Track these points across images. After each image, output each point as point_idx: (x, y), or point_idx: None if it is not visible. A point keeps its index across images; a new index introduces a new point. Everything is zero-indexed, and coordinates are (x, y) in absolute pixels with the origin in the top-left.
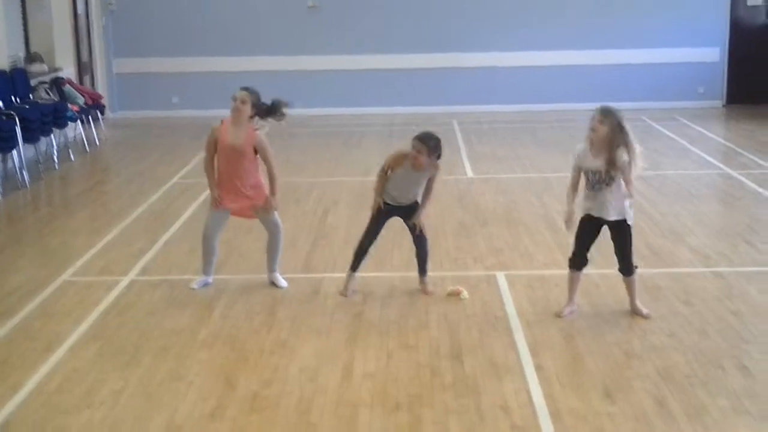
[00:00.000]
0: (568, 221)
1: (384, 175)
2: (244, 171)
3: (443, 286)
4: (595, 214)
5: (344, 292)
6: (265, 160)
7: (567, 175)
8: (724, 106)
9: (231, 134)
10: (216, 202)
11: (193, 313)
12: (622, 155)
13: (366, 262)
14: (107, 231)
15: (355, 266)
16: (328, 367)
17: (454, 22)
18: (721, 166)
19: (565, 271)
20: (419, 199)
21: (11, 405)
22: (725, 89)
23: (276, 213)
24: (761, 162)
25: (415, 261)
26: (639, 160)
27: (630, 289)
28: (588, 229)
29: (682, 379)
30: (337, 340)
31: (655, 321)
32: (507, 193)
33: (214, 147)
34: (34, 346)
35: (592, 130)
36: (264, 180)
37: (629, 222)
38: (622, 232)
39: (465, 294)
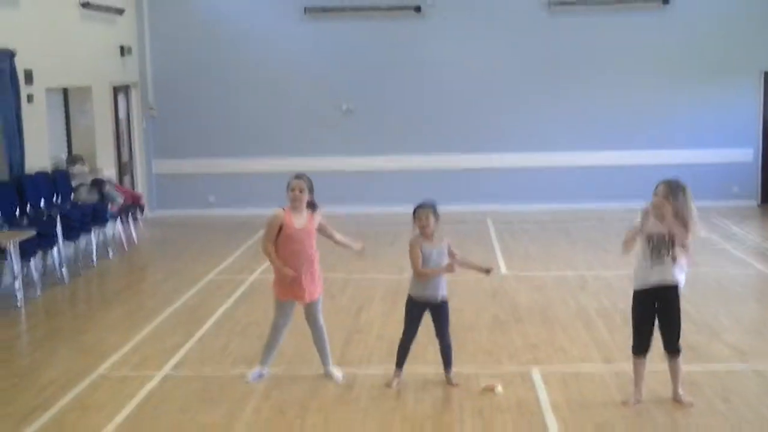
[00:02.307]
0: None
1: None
2: (310, 255)
3: (478, 381)
4: (653, 281)
5: (390, 384)
6: (330, 233)
7: (602, 273)
8: (759, 205)
9: (296, 219)
10: (290, 275)
11: (226, 408)
12: (687, 222)
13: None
14: (143, 327)
15: (399, 363)
16: None
17: (487, 123)
18: (757, 265)
19: (600, 366)
20: (445, 294)
21: None
22: (760, 188)
23: (320, 316)
24: None
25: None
26: (698, 227)
27: (674, 373)
28: (644, 309)
29: None
30: None
31: (693, 417)
32: (542, 290)
33: (277, 232)
34: None
35: (656, 207)
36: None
37: (681, 287)
38: (673, 299)
39: (499, 389)
